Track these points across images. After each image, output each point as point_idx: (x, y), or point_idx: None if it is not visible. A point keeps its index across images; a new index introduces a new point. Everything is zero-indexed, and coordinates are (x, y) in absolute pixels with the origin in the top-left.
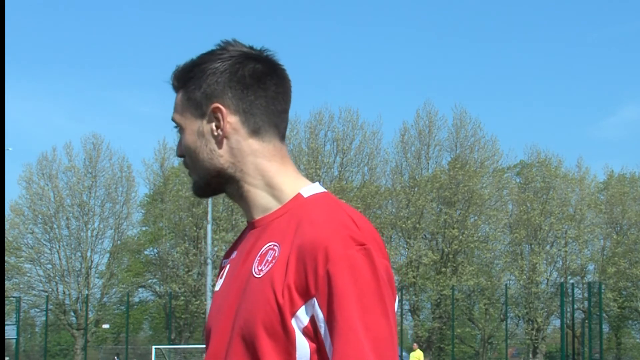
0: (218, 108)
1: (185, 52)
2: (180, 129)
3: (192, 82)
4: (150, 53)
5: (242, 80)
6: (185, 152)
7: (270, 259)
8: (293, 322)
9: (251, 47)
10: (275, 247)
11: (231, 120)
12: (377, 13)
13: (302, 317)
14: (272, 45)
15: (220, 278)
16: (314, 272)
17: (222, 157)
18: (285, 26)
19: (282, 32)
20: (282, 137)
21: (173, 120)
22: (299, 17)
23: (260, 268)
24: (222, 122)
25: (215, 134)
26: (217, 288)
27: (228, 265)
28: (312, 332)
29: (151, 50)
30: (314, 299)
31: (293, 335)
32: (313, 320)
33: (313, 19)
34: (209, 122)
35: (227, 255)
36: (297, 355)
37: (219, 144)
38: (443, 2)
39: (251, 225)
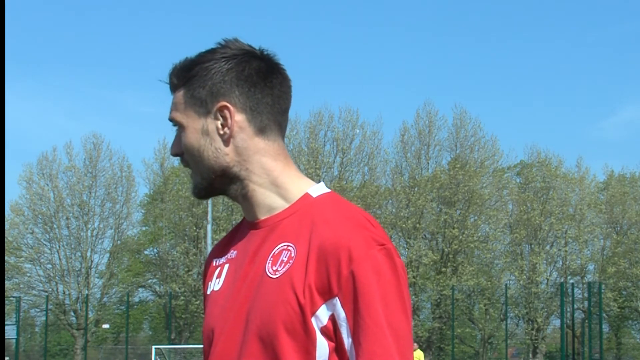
0: (225, 106)
1: (186, 52)
2: (181, 127)
3: (196, 80)
4: (151, 53)
5: (249, 79)
6: (186, 151)
7: (285, 259)
8: (313, 321)
9: (251, 46)
10: (290, 248)
11: (238, 118)
12: (377, 13)
13: (321, 316)
14: (272, 44)
15: (218, 278)
16: (337, 272)
17: (227, 155)
18: (285, 26)
19: (282, 32)
20: (284, 136)
21: (172, 118)
22: (298, 17)
23: (275, 268)
24: (229, 121)
25: (222, 132)
26: (216, 288)
27: (227, 265)
28: (331, 331)
29: (151, 50)
30: (336, 298)
31: (314, 335)
32: (333, 319)
33: (313, 19)
34: (215, 120)
35: (220, 254)
36: (317, 354)
37: (225, 143)
38: (443, 2)
39: (254, 225)
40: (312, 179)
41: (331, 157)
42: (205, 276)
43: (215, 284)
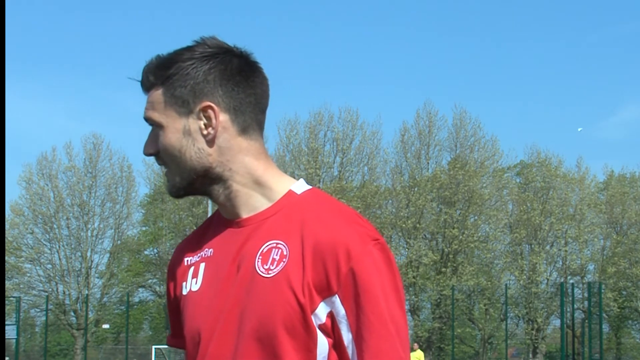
0: (209, 106)
1: None
2: (158, 127)
3: (176, 78)
4: (151, 53)
5: (233, 78)
6: (165, 151)
7: (277, 257)
8: (312, 319)
9: (229, 45)
10: (280, 246)
11: (222, 118)
12: (377, 13)
13: (320, 314)
14: (272, 45)
15: (195, 277)
16: (336, 269)
17: (210, 155)
18: (284, 26)
19: (281, 32)
20: (263, 135)
21: (149, 118)
22: (298, 17)
23: (267, 267)
24: (213, 121)
25: (205, 132)
26: (194, 288)
27: (203, 264)
28: (329, 328)
29: (152, 50)
30: (336, 295)
31: (314, 333)
32: (331, 316)
33: (313, 19)
34: (198, 120)
35: (191, 252)
36: (317, 352)
37: (209, 143)
38: (443, 2)
39: (235, 223)
40: (312, 179)
41: (331, 157)
42: (175, 275)
43: (192, 284)
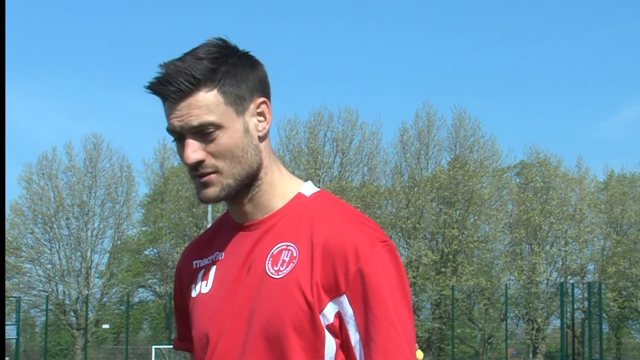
0: (265, 102)
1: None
2: (218, 129)
3: (229, 77)
4: (151, 53)
5: (267, 77)
6: (224, 153)
7: (287, 259)
8: (320, 319)
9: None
10: (290, 248)
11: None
12: (376, 13)
13: (328, 314)
14: (272, 45)
15: (204, 280)
16: (345, 269)
17: (261, 152)
18: (284, 26)
19: (281, 33)
20: None
21: (208, 122)
22: (298, 17)
23: (277, 269)
24: (268, 116)
25: (260, 128)
26: (204, 290)
27: (213, 267)
28: (337, 328)
29: (152, 50)
30: (344, 295)
31: (322, 333)
32: (339, 316)
33: (312, 19)
34: (252, 117)
35: (200, 255)
36: (325, 352)
37: (261, 139)
38: (443, 2)
39: (247, 226)
40: (312, 179)
41: (331, 157)
42: (182, 278)
43: (202, 287)
